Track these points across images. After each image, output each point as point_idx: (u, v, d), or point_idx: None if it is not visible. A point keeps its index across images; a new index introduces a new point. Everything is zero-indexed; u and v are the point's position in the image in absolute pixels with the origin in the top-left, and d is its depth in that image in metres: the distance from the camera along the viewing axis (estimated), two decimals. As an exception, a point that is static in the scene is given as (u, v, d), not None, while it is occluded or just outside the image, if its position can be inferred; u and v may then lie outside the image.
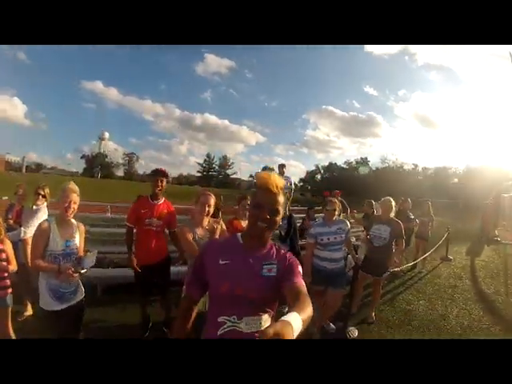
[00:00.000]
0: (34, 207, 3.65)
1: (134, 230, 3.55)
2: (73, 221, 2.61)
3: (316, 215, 8.51)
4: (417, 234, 7.57)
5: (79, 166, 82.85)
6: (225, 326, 1.36)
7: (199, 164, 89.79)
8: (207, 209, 2.85)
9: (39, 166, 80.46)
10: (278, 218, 1.42)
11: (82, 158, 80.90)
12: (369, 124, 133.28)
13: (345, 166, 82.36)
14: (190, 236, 2.80)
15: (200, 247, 2.53)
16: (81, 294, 2.69)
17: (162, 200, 3.57)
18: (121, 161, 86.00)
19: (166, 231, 3.75)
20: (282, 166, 8.13)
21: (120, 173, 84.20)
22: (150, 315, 3.86)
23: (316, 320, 3.92)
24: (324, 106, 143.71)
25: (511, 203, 13.82)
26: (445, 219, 17.80)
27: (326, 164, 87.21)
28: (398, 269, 4.84)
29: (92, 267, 2.67)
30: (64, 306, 2.50)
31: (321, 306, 3.83)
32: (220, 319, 1.37)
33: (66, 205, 2.43)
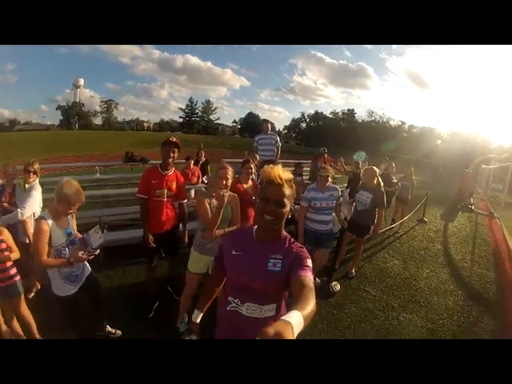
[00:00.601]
0: (27, 185, 3.48)
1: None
2: None
3: (303, 170, 8.67)
4: (397, 197, 8.03)
5: (55, 118, 76.56)
6: (230, 305, 1.58)
7: (181, 109, 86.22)
8: (224, 182, 2.92)
9: (13, 123, 73.89)
10: (285, 210, 1.46)
11: (57, 109, 74.16)
12: (359, 75, 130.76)
13: (331, 116, 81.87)
14: (206, 205, 2.96)
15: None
16: (88, 268, 2.86)
17: (171, 171, 3.54)
18: (99, 109, 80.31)
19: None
20: (265, 121, 7.95)
21: (99, 121, 79.21)
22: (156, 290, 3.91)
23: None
24: (313, 52, 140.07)
25: (489, 175, 14.41)
26: (425, 179, 18.48)
27: (312, 112, 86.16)
28: (376, 235, 5.21)
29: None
30: (78, 286, 2.66)
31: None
32: (229, 298, 1.60)
33: (70, 212, 2.50)
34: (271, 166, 1.51)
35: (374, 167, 4.72)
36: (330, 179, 4.07)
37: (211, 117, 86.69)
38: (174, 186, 3.52)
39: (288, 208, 1.48)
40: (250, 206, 4.16)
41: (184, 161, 7.25)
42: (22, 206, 3.26)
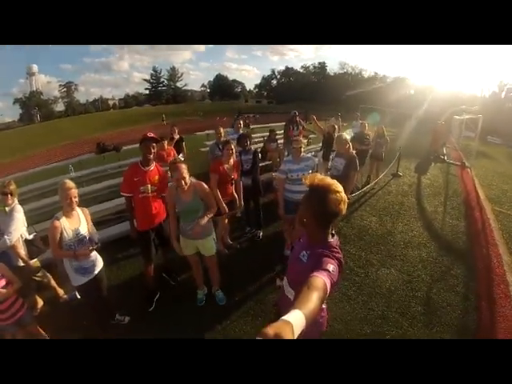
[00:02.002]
0: (7, 209, 3.28)
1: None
2: (77, 209, 2.95)
3: (277, 137, 8.64)
4: (372, 155, 8.22)
5: (14, 113, 70.06)
6: (282, 282, 2.04)
7: (146, 80, 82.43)
8: (183, 182, 3.04)
9: (-30, 125, 65.77)
10: (305, 214, 1.70)
11: (14, 103, 68.18)
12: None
13: (302, 71, 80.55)
14: (172, 197, 3.22)
15: None
16: (100, 263, 3.19)
17: (153, 165, 3.53)
18: (58, 94, 74.06)
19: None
20: (237, 119, 8.03)
21: (60, 107, 73.17)
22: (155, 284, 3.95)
23: (288, 242, 4.44)
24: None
25: (461, 125, 14.72)
26: (399, 130, 18.73)
27: (283, 68, 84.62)
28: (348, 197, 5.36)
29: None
30: (89, 278, 3.02)
31: (291, 230, 4.29)
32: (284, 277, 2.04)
33: (68, 201, 2.79)
34: (318, 174, 1.71)
35: (344, 134, 4.81)
36: (302, 149, 4.13)
37: (178, 84, 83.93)
38: (156, 180, 3.51)
39: (311, 215, 1.68)
40: (228, 183, 4.28)
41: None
42: (7, 232, 3.12)
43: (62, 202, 2.82)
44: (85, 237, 2.95)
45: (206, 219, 3.15)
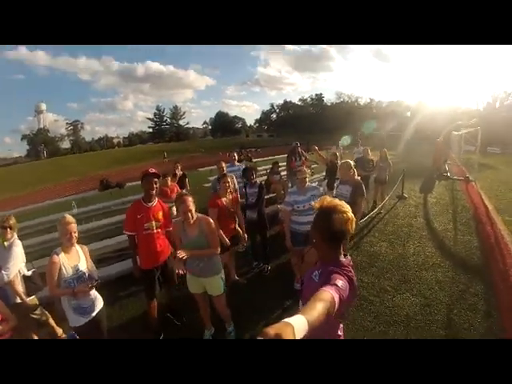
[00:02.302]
0: (6, 243, 3.27)
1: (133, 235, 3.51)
2: (76, 246, 2.91)
3: (280, 169, 8.78)
4: (376, 179, 8.32)
5: (21, 149, 74.12)
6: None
7: (149, 119, 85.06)
8: (190, 215, 3.05)
9: (-23, 160, 69.00)
10: (314, 236, 1.74)
11: (22, 139, 71.27)
12: (321, 58, 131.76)
13: (300, 103, 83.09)
14: (177, 235, 3.25)
15: None
16: (100, 303, 3.09)
17: (155, 201, 3.54)
18: (65, 132, 77.51)
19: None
20: (231, 152, 7.93)
21: (66, 145, 76.41)
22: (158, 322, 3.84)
23: (298, 276, 4.40)
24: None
25: (460, 141, 14.82)
26: (400, 152, 18.85)
27: (281, 102, 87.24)
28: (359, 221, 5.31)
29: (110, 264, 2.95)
30: (87, 319, 2.89)
31: (300, 263, 4.24)
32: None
33: (68, 236, 2.76)
34: (328, 197, 1.79)
35: (349, 160, 4.80)
36: (307, 179, 4.16)
37: (181, 122, 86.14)
38: (160, 215, 3.50)
39: (320, 236, 1.73)
40: (228, 218, 4.27)
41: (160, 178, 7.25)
42: (5, 267, 3.10)
43: (62, 238, 2.78)
44: (84, 273, 2.86)
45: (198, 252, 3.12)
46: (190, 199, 3.08)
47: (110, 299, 4.16)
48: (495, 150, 22.38)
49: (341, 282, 1.48)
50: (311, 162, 9.13)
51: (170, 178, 7.21)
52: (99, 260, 5.42)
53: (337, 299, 1.33)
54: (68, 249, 2.82)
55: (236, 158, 7.11)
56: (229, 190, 4.27)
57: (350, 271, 1.65)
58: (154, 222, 3.41)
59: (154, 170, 3.45)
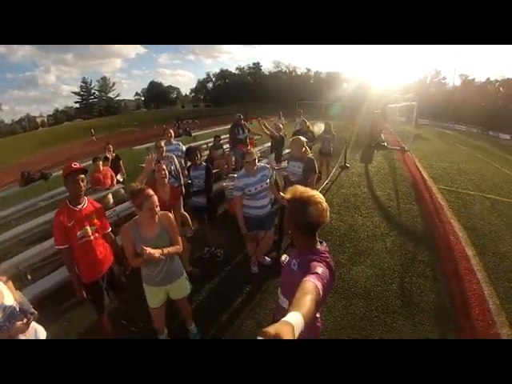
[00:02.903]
0: None
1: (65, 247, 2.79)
2: None
3: (221, 142, 8.35)
4: (321, 151, 8.35)
5: None
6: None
7: (75, 93, 77.47)
8: (156, 211, 2.55)
9: None
10: (288, 227, 1.76)
11: None
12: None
13: (237, 72, 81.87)
14: (130, 240, 2.56)
15: None
16: (42, 334, 2.46)
17: (85, 201, 2.87)
18: None
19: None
20: (166, 129, 6.55)
21: None
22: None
23: (253, 259, 4.26)
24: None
25: (395, 113, 15.62)
26: (340, 122, 19.42)
27: (217, 71, 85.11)
28: None
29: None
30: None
31: (255, 247, 4.09)
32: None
33: None
34: (297, 186, 1.76)
35: (301, 137, 4.65)
36: (256, 161, 3.83)
37: (110, 94, 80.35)
38: (94, 218, 2.88)
39: (292, 227, 1.75)
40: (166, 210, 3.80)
41: (91, 162, 6.34)
42: None
43: None
44: (14, 309, 2.30)
45: (167, 251, 2.58)
46: (154, 196, 2.55)
47: (55, 316, 3.65)
48: (425, 121, 24.23)
49: (321, 269, 1.50)
50: (253, 133, 8.85)
51: (101, 162, 6.33)
52: (34, 269, 4.60)
53: (320, 288, 1.34)
54: None
55: (172, 134, 6.14)
56: (166, 180, 3.67)
57: (328, 257, 1.69)
58: (88, 228, 2.80)
59: (78, 165, 2.73)
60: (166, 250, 2.53)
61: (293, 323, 0.92)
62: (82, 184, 2.71)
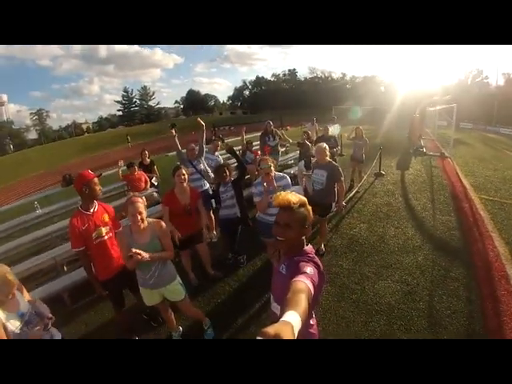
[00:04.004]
0: None
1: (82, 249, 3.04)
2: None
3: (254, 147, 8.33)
4: (352, 157, 8.18)
5: None
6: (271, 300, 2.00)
7: (117, 102, 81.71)
8: (139, 217, 2.69)
9: None
10: (293, 233, 1.68)
11: None
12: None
13: (272, 79, 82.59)
14: (124, 246, 2.77)
15: None
16: (57, 336, 2.56)
17: (95, 205, 3.08)
18: (30, 122, 73.40)
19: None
20: (214, 141, 6.68)
21: (33, 135, 72.12)
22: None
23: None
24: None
25: (435, 116, 14.88)
26: (376, 127, 18.82)
27: (253, 78, 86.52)
28: (341, 210, 5.07)
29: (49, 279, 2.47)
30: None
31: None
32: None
33: (7, 293, 2.18)
34: (282, 192, 1.76)
35: (323, 144, 4.54)
36: (273, 169, 3.72)
37: (151, 103, 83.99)
38: (106, 218, 3.11)
39: (298, 231, 1.69)
40: (182, 216, 3.81)
41: (126, 168, 6.97)
42: None
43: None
44: (31, 314, 2.37)
45: (157, 255, 2.77)
46: (140, 201, 2.73)
47: (86, 303, 3.93)
48: (467, 125, 22.88)
49: (309, 268, 1.55)
50: (286, 140, 8.71)
51: (136, 168, 6.87)
52: (73, 261, 5.06)
53: (311, 286, 1.39)
54: (5, 301, 2.25)
55: (218, 145, 6.45)
56: (185, 185, 3.76)
57: (314, 257, 1.72)
58: (102, 228, 3.02)
59: (85, 173, 3.00)
60: (156, 255, 2.72)
61: (292, 323, 0.93)
62: (98, 190, 2.97)
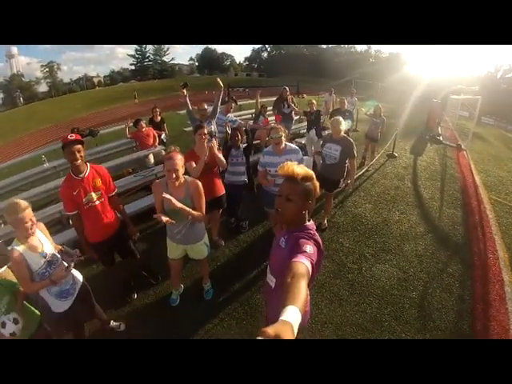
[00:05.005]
0: None
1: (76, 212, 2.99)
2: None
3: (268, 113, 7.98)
4: (367, 135, 7.97)
5: None
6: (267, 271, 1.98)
7: (130, 56, 77.33)
8: (174, 175, 2.60)
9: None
10: (295, 206, 1.63)
11: None
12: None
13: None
14: (159, 199, 2.71)
15: None
16: (79, 281, 2.74)
17: (87, 169, 2.91)
18: (40, 75, 69.90)
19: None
20: (228, 102, 6.28)
21: (44, 88, 69.09)
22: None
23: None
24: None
25: (457, 105, 14.33)
26: (394, 106, 18.26)
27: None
28: (349, 187, 4.96)
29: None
30: (72, 299, 2.59)
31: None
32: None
33: (26, 227, 2.23)
34: (288, 162, 1.67)
35: (340, 118, 4.34)
36: (284, 139, 3.57)
37: (165, 58, 79.77)
38: (98, 183, 2.97)
39: (299, 204, 1.64)
40: (210, 176, 3.70)
41: (132, 125, 6.93)
42: None
43: (17, 231, 2.26)
44: (54, 255, 2.46)
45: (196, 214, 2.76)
46: (178, 157, 2.62)
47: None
48: (489, 120, 22.16)
49: (309, 246, 1.52)
50: (302, 108, 8.33)
51: (143, 123, 6.71)
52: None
53: (310, 268, 1.37)
54: (26, 238, 2.31)
55: (233, 107, 6.16)
56: (206, 144, 3.59)
57: (315, 234, 1.69)
58: (93, 194, 2.92)
59: (73, 137, 2.75)
60: (186, 208, 2.65)
61: (292, 322, 0.91)
62: (78, 154, 2.76)
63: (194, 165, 3.44)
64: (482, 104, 11.08)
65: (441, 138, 11.31)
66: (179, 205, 2.57)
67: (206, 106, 5.03)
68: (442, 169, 8.35)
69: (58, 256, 2.49)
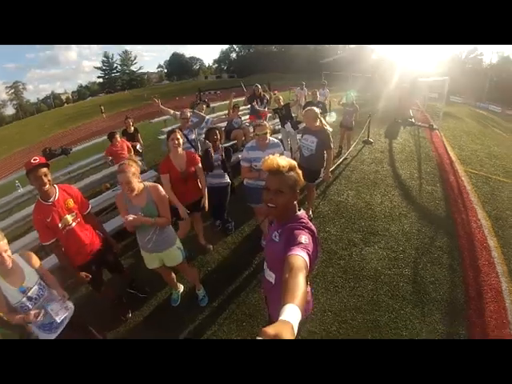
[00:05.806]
0: None
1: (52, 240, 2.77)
2: (16, 260, 2.23)
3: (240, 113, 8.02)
4: (342, 124, 8.05)
5: None
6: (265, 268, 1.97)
7: (97, 68, 77.00)
8: (127, 187, 2.58)
9: None
10: (285, 198, 1.62)
11: None
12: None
13: (261, 42, 79.03)
14: (122, 207, 2.80)
15: None
16: (70, 307, 2.56)
17: (56, 191, 2.72)
18: (6, 96, 68.68)
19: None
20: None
21: (11, 111, 68.19)
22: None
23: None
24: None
25: (426, 87, 14.72)
26: (365, 95, 18.57)
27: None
28: (327, 178, 4.96)
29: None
30: (58, 333, 2.42)
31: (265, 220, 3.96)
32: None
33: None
34: (270, 156, 1.66)
35: (314, 108, 4.35)
36: (268, 135, 3.61)
37: (133, 68, 79.58)
38: (71, 204, 2.79)
39: (289, 195, 1.64)
40: (180, 182, 3.59)
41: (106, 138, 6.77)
42: None
43: None
44: (40, 288, 2.30)
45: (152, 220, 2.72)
46: (130, 169, 2.56)
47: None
48: (457, 99, 22.89)
49: (304, 237, 1.49)
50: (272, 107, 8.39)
51: (117, 136, 6.54)
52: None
53: (307, 259, 1.35)
54: (4, 271, 2.14)
55: (204, 109, 6.18)
56: (180, 149, 3.51)
57: (308, 222, 1.67)
58: (68, 216, 2.74)
59: (37, 160, 2.53)
60: (149, 220, 2.68)
61: (292, 322, 0.90)
62: (45, 179, 2.56)
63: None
64: (449, 84, 11.39)
65: (413, 120, 11.62)
66: (142, 220, 2.62)
67: (188, 115, 4.89)
68: (417, 149, 8.50)
69: (44, 289, 2.34)
